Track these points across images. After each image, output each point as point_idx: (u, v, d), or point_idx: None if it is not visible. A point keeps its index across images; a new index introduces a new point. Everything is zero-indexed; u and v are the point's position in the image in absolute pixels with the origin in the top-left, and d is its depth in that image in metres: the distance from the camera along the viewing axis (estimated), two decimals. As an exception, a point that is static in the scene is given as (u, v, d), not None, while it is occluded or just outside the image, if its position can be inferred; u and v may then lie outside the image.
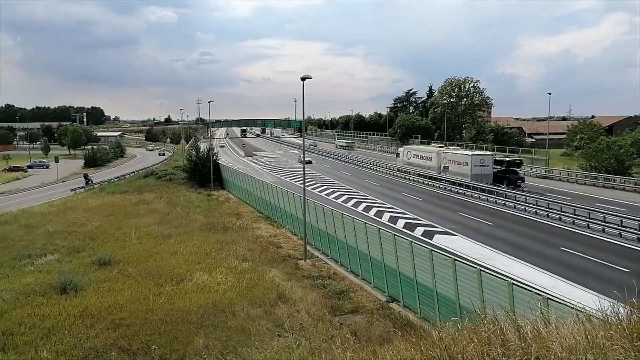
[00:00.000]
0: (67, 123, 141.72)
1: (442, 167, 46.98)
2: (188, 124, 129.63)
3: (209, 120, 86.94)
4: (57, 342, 14.77)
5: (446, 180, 44.21)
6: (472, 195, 38.52)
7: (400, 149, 58.97)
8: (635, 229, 24.58)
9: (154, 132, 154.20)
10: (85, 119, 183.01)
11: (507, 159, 46.75)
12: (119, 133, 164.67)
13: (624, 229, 25.18)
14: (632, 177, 44.32)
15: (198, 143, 65.48)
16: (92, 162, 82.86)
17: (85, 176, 57.69)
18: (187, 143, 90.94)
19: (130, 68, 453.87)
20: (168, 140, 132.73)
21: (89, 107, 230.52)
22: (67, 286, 19.31)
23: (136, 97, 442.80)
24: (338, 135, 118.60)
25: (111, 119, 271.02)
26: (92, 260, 23.63)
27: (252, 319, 16.09)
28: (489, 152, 49.37)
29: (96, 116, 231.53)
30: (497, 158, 45.51)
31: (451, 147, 55.85)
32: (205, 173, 50.97)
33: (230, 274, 21.06)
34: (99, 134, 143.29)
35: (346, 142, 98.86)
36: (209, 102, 68.61)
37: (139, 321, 16.24)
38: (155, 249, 25.87)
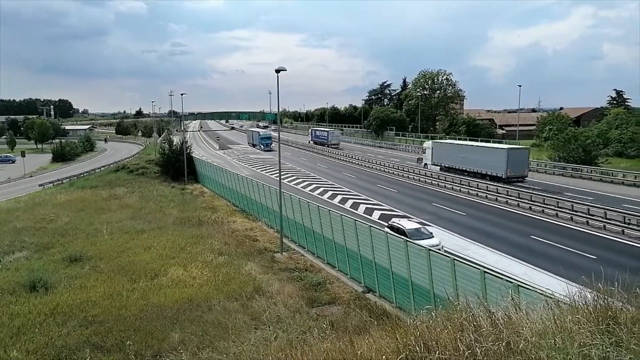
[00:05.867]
0: (34, 116, 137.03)
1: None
2: (160, 116, 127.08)
3: (182, 113, 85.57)
4: (28, 341, 14.43)
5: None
6: (445, 186, 39.12)
7: (428, 144, 51.22)
8: (602, 217, 25.45)
9: (124, 125, 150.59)
10: (52, 112, 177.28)
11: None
12: (89, 126, 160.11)
13: (591, 217, 26.04)
14: (599, 166, 45.79)
15: (171, 136, 64.29)
16: (61, 156, 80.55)
17: None
18: (160, 136, 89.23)
19: (100, 59, 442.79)
20: (140, 134, 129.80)
21: (57, 99, 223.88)
22: (36, 284, 18.86)
23: (106, 90, 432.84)
24: (314, 127, 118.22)
25: (80, 112, 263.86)
26: (63, 257, 23.11)
27: (228, 313, 16.04)
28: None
29: (64, 109, 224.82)
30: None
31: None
32: (178, 166, 50.22)
33: (206, 268, 20.90)
34: (67, 127, 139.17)
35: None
36: (181, 95, 67.78)
37: (112, 318, 16.00)
38: (128, 245, 25.44)
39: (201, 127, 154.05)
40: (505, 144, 54.52)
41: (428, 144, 51.53)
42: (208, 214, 33.31)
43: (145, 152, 77.38)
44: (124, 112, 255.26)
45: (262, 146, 78.89)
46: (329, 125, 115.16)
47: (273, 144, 74.90)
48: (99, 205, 37.32)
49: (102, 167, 62.41)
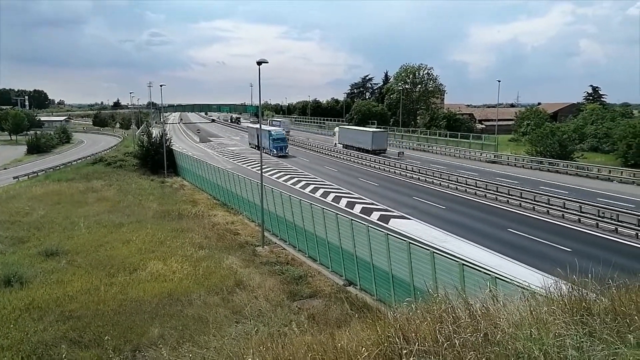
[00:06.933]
0: (8, 107, 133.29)
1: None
2: (139, 108, 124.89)
3: (161, 105, 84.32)
4: (2, 337, 14.13)
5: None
6: (425, 180, 39.50)
7: (336, 129, 68.06)
8: (577, 211, 26.07)
9: (102, 117, 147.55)
10: (27, 103, 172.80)
11: None
12: (65, 117, 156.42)
13: (566, 210, 26.64)
14: (574, 161, 46.83)
15: (150, 128, 63.34)
16: (36, 148, 78.69)
17: None
18: (139, 128, 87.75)
19: (77, 49, 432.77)
20: (118, 125, 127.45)
21: (32, 90, 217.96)
22: (11, 278, 18.45)
23: (83, 80, 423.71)
24: (296, 121, 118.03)
25: (56, 102, 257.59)
26: (38, 251, 22.63)
27: (209, 307, 15.96)
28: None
29: (39, 100, 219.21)
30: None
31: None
32: (158, 159, 49.54)
33: (186, 262, 20.73)
34: (42, 118, 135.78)
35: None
36: (160, 86, 66.34)
37: (90, 313, 15.77)
38: (105, 239, 25.05)
39: (181, 119, 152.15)
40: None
41: (336, 129, 67.52)
42: (188, 207, 32.99)
43: (124, 145, 76.13)
44: (102, 103, 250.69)
45: (274, 150, 59.11)
46: (311, 119, 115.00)
47: (289, 148, 61.49)
48: (76, 199, 36.61)
49: (79, 159, 61.21)
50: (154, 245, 23.61)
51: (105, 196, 37.38)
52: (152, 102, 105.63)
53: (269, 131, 62.43)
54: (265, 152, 57.25)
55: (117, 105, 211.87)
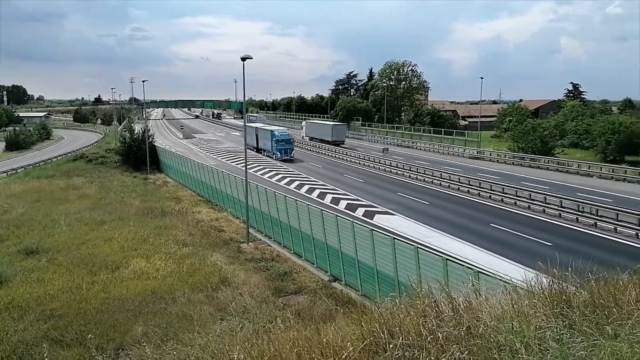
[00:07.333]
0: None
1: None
2: (121, 104, 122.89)
3: (144, 101, 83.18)
4: (-19, 337, 13.84)
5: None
6: (409, 175, 39.76)
7: (304, 123, 75.82)
8: (557, 206, 26.54)
9: (83, 113, 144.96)
10: (5, 98, 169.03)
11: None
12: (45, 113, 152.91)
13: (547, 205, 27.10)
14: (555, 157, 47.62)
15: (132, 124, 62.43)
16: (15, 144, 76.86)
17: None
18: (120, 125, 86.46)
19: (57, 44, 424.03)
20: (99, 122, 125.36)
21: (10, 85, 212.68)
22: (-11, 278, 18.05)
23: (63, 75, 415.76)
24: (281, 117, 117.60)
25: (35, 98, 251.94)
26: (18, 249, 22.26)
27: (193, 304, 15.88)
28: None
29: (18, 95, 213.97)
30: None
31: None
32: (140, 156, 48.91)
33: (169, 260, 20.57)
34: (21, 114, 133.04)
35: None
36: (143, 82, 65.57)
37: (72, 311, 15.58)
38: (87, 236, 24.73)
39: (164, 115, 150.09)
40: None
41: (304, 123, 75.83)
42: (172, 204, 32.71)
43: (105, 141, 74.96)
44: (82, 99, 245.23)
45: (277, 153, 51.36)
46: (296, 115, 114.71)
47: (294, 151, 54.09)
48: (56, 196, 36.02)
49: (59, 156, 60.09)
50: (136, 243, 23.36)
51: (86, 193, 36.85)
52: (134, 98, 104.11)
53: (272, 131, 54.49)
54: (267, 156, 53.14)
55: (98, 101, 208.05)
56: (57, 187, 39.36)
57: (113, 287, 17.81)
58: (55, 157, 58.58)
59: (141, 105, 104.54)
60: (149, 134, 51.41)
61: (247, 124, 67.72)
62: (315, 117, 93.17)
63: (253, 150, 55.88)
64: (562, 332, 3.98)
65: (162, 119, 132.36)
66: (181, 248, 22.42)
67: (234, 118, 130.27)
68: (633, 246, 20.83)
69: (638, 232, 21.96)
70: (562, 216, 25.72)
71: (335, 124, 69.25)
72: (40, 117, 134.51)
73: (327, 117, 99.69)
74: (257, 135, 57.47)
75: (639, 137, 47.93)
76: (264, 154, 55.12)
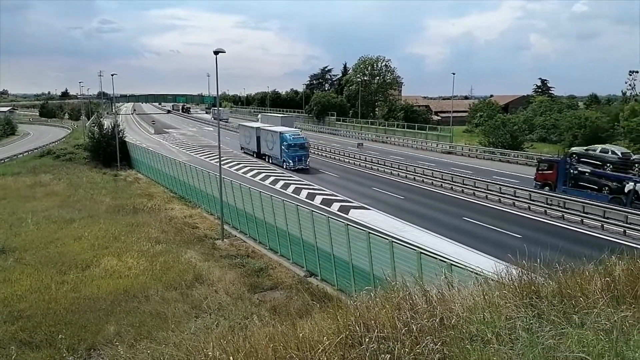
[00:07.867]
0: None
1: None
2: (89, 98, 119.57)
3: (113, 95, 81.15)
4: (-57, 341, 13.32)
5: None
6: (384, 170, 40.11)
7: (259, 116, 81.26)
8: (527, 199, 27.26)
9: (49, 107, 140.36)
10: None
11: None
12: (9, 108, 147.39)
13: (516, 198, 27.80)
14: (524, 151, 48.83)
15: (101, 119, 60.83)
16: (-23, 140, 74.03)
17: None
18: (89, 119, 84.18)
19: (21, 35, 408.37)
20: (66, 117, 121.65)
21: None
22: (-48, 279, 17.38)
23: (28, 68, 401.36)
24: (254, 112, 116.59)
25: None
26: (-18, 250, 21.44)
27: (167, 303, 15.68)
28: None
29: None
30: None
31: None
32: (110, 152, 47.81)
33: (142, 258, 20.22)
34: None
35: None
36: (112, 75, 63.56)
37: (41, 312, 15.18)
38: (56, 235, 24.08)
39: (134, 110, 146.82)
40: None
41: (259, 116, 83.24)
42: (144, 201, 32.12)
43: (73, 137, 72.83)
44: (49, 93, 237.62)
45: (290, 161, 41.05)
46: (270, 110, 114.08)
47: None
48: (23, 194, 34.96)
49: (25, 152, 58.18)
50: (107, 241, 22.89)
51: (54, 190, 35.85)
52: (103, 92, 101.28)
53: (281, 133, 42.86)
54: (274, 163, 43.87)
55: (65, 95, 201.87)
56: (24, 185, 38.20)
57: (83, 286, 17.42)
58: (21, 154, 56.75)
59: (110, 100, 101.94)
60: (119, 129, 50.29)
61: (244, 123, 61.45)
62: (273, 111, 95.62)
63: (252, 156, 49.23)
64: (531, 321, 4.10)
65: (132, 114, 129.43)
66: (154, 245, 22.07)
67: (206, 112, 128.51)
68: (598, 237, 21.60)
69: (603, 223, 22.79)
70: (531, 209, 26.42)
71: (284, 115, 78.07)
72: (5, 112, 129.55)
73: (302, 112, 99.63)
74: (258, 138, 48.13)
75: (604, 132, 49.72)
76: (269, 161, 45.48)
